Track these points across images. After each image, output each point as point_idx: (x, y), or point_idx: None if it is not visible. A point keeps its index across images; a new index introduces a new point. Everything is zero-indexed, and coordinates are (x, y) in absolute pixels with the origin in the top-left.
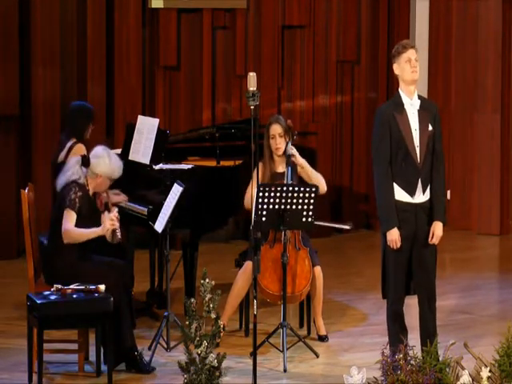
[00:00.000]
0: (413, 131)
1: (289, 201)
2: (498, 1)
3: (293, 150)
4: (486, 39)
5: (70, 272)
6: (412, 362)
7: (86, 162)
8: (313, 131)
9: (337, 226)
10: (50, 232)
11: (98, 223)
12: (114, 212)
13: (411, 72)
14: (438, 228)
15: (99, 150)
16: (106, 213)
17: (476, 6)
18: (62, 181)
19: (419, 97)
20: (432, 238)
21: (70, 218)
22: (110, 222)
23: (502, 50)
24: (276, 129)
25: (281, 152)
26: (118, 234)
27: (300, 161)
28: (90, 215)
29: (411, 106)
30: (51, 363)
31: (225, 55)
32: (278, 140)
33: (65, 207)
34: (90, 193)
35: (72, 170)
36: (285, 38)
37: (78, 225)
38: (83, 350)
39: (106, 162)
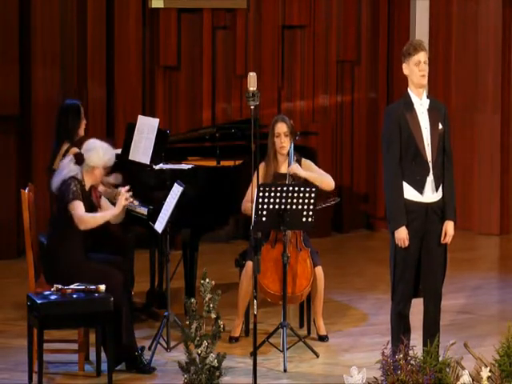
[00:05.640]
0: (423, 130)
1: (289, 201)
2: (498, 1)
3: (294, 170)
4: (486, 39)
5: (70, 272)
6: (412, 362)
7: (79, 158)
8: (313, 131)
9: (326, 204)
10: (50, 232)
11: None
12: (124, 190)
13: (420, 76)
14: (450, 227)
15: (90, 143)
16: (103, 202)
17: (476, 6)
18: (57, 180)
19: (428, 97)
20: (444, 237)
21: (79, 207)
22: (124, 200)
23: (502, 50)
24: (281, 127)
25: (285, 151)
26: (135, 201)
27: (303, 174)
28: (87, 208)
29: (421, 106)
30: (51, 363)
31: (225, 55)
32: (283, 139)
33: (69, 201)
34: (87, 188)
35: (67, 168)
36: (285, 38)
37: None
38: (83, 350)
39: (99, 153)
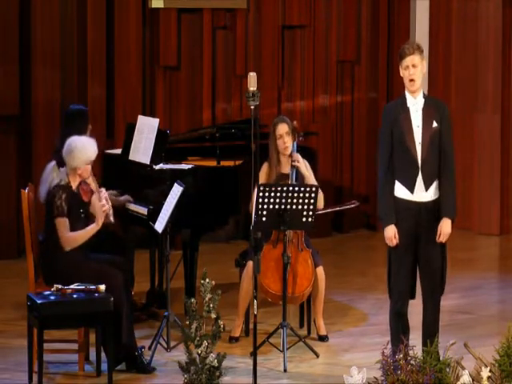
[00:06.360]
0: (414, 128)
1: (289, 201)
2: (497, 1)
3: (297, 163)
4: (486, 39)
5: (70, 272)
6: (412, 361)
7: (61, 163)
8: (313, 131)
9: (343, 207)
10: (45, 235)
11: (88, 216)
12: (102, 193)
13: (409, 81)
14: (445, 225)
15: (69, 145)
16: (94, 200)
17: (476, 6)
18: (44, 190)
19: (426, 96)
20: (439, 235)
21: (63, 226)
22: (101, 214)
23: (502, 50)
24: (282, 128)
25: (289, 151)
26: (111, 217)
27: (302, 170)
28: (79, 211)
29: (415, 105)
30: (51, 363)
31: (225, 55)
32: (286, 139)
33: (53, 217)
34: (74, 188)
35: (50, 176)
36: (285, 38)
37: (73, 225)
38: (83, 350)
39: (79, 152)
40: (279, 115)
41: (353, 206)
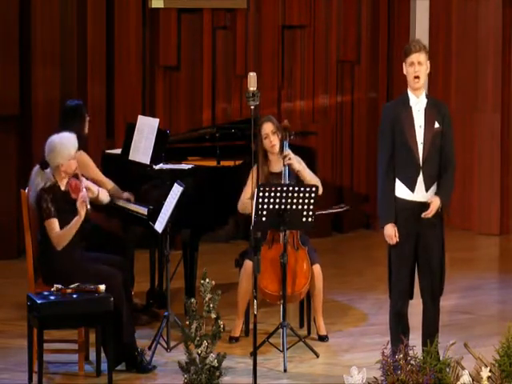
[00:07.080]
0: (417, 128)
1: (289, 201)
2: (498, 1)
3: (289, 160)
4: (486, 39)
5: (69, 272)
6: (412, 362)
7: (44, 165)
8: (313, 131)
9: (334, 210)
10: (43, 238)
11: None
12: (82, 181)
13: (413, 78)
14: (435, 202)
15: (48, 144)
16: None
17: (476, 6)
18: (32, 193)
19: (428, 96)
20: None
21: (52, 227)
22: (80, 205)
23: (502, 50)
24: (267, 127)
25: (277, 149)
26: (88, 205)
27: (296, 166)
28: (70, 209)
29: (417, 104)
30: (51, 363)
31: (225, 55)
32: (272, 137)
33: (43, 220)
34: (63, 187)
35: (36, 180)
36: (285, 38)
37: (65, 224)
38: (83, 350)
39: (58, 151)
40: (265, 115)
41: (341, 210)
